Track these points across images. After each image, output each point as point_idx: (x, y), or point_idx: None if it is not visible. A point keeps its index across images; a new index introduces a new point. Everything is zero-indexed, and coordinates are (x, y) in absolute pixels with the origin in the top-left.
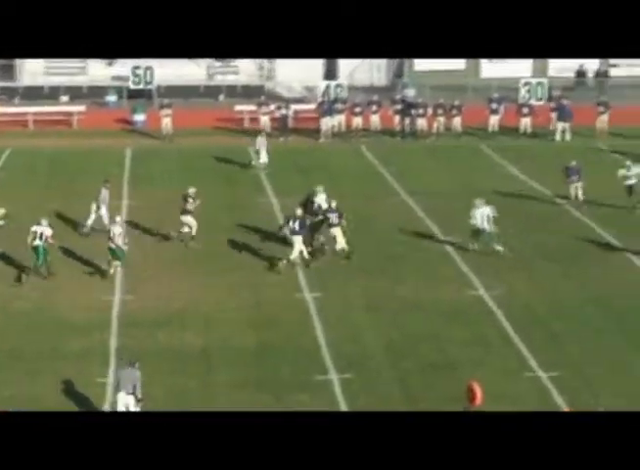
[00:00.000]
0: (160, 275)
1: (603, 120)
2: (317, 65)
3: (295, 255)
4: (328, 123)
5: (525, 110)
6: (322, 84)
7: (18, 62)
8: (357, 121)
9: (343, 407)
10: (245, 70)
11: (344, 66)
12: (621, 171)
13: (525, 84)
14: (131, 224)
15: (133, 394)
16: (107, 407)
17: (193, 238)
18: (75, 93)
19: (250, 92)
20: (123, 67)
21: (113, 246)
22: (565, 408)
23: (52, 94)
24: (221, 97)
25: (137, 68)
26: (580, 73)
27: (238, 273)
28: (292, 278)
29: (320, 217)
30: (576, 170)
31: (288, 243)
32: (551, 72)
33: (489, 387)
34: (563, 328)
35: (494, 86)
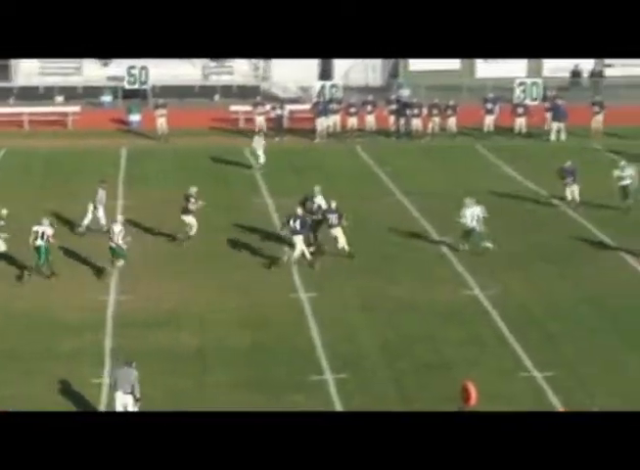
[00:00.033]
0: (156, 275)
1: (598, 120)
2: (312, 65)
3: (297, 254)
4: (323, 124)
5: (521, 110)
6: (317, 84)
7: (13, 62)
8: (352, 122)
9: (339, 408)
10: (240, 70)
11: (340, 66)
12: (616, 172)
13: (520, 84)
14: (126, 224)
15: (131, 393)
16: (102, 408)
17: (189, 238)
18: (70, 93)
19: (245, 92)
20: (119, 67)
21: (113, 245)
22: (560, 408)
23: (47, 94)
24: (216, 97)
25: (132, 68)
26: (575, 74)
27: (233, 273)
28: (287, 278)
29: (319, 217)
30: (571, 171)
31: (283, 243)
32: (546, 73)
33: (484, 387)
34: (558, 328)
35: (489, 86)
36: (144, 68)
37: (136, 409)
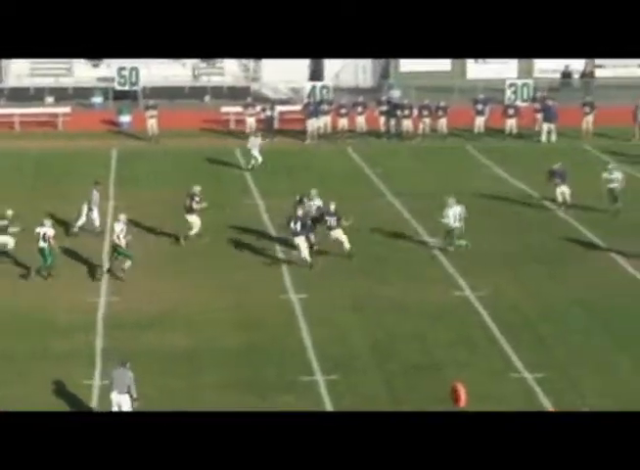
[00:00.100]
0: (146, 276)
1: (588, 121)
2: (303, 66)
3: (305, 254)
4: (314, 125)
5: (511, 111)
6: (308, 85)
7: (3, 63)
8: (343, 123)
9: (329, 408)
10: (230, 71)
11: (330, 67)
12: (604, 175)
13: (511, 85)
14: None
15: (127, 393)
16: (95, 408)
17: (187, 237)
18: (61, 94)
19: (235, 93)
20: (109, 68)
21: (116, 243)
22: (550, 409)
23: (37, 95)
24: (207, 98)
25: (122, 69)
26: (566, 74)
27: (224, 274)
28: (277, 279)
29: (316, 216)
30: (561, 173)
31: (274, 244)
32: (536, 73)
33: (475, 388)
34: (548, 329)
35: (480, 87)
36: (134, 69)
37: (132, 409)
